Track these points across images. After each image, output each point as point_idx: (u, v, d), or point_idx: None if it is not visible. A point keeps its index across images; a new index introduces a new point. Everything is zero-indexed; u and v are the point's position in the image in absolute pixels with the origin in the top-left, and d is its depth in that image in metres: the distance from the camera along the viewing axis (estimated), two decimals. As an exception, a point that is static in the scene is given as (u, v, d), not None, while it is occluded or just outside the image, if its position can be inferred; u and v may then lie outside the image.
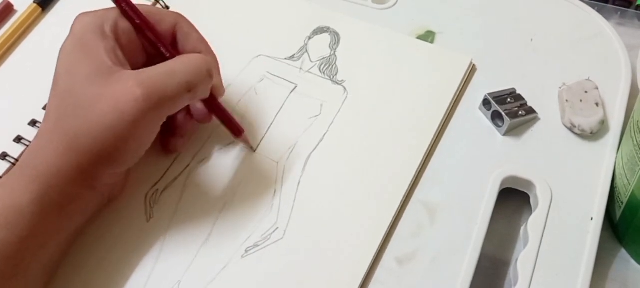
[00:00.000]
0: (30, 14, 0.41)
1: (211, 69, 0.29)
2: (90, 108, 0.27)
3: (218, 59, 0.32)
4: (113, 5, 0.30)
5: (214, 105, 0.32)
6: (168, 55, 0.30)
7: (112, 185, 0.31)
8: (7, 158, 0.34)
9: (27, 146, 0.35)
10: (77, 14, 0.29)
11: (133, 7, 0.30)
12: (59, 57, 0.29)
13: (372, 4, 0.41)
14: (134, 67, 0.29)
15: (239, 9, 0.41)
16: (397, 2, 0.41)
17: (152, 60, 0.30)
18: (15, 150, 0.35)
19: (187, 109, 0.33)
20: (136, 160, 0.29)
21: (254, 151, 0.34)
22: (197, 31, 0.32)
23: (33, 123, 0.36)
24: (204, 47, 0.31)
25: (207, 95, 0.30)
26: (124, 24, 0.30)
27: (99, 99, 0.27)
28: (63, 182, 0.27)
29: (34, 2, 0.41)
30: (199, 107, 0.32)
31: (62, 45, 0.29)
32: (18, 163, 0.28)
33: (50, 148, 0.27)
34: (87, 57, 0.28)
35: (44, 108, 0.36)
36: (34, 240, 0.27)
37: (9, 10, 0.41)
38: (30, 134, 0.35)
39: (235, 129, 0.33)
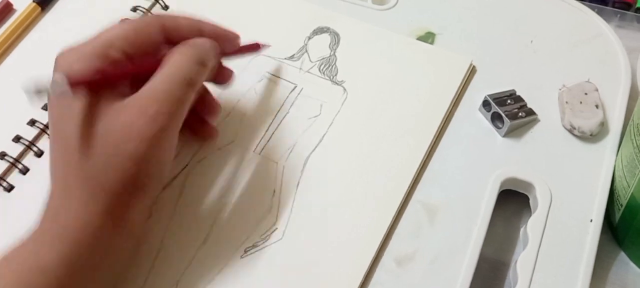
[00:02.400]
0: (30, 13, 0.40)
1: (199, 55, 0.28)
2: (105, 145, 0.25)
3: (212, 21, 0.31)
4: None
5: (224, 55, 0.32)
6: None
7: (138, 227, 0.28)
8: (5, 157, 0.34)
9: (27, 147, 0.35)
10: (58, 53, 0.27)
11: (118, 72, 0.28)
12: (50, 104, 0.27)
13: (372, 4, 0.41)
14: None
15: (239, 8, 0.41)
16: (397, 2, 0.41)
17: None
18: (14, 150, 0.34)
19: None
20: (160, 186, 0.28)
21: (270, 45, 0.35)
22: (183, 18, 0.30)
23: (32, 122, 0.36)
24: (192, 27, 0.30)
25: (207, 75, 0.29)
26: (112, 52, 0.27)
27: (110, 133, 0.25)
28: (92, 232, 0.25)
29: (34, 1, 0.41)
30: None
31: (50, 102, 0.27)
32: (40, 224, 0.26)
33: (73, 200, 0.25)
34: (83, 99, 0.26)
35: (44, 108, 0.36)
36: None
37: (8, 9, 0.41)
38: (29, 133, 0.35)
39: (252, 48, 0.33)
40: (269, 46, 0.35)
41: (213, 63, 0.30)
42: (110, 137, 0.25)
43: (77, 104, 0.26)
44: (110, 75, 0.27)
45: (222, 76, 0.33)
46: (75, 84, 0.25)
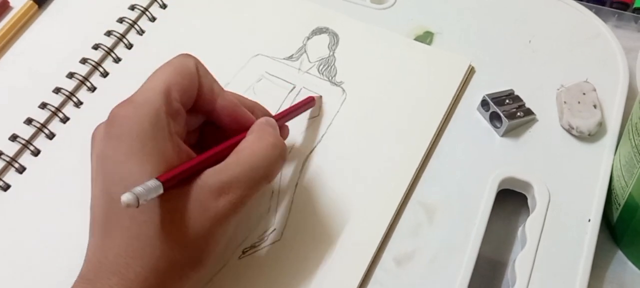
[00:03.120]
0: (27, 11, 0.40)
1: (284, 148, 0.27)
2: (175, 219, 0.24)
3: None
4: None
5: (285, 117, 0.31)
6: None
7: None
8: (2, 156, 0.34)
9: (23, 145, 0.34)
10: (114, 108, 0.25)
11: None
12: (98, 163, 0.25)
13: (370, 3, 0.41)
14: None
15: (238, 8, 0.41)
16: (395, 2, 0.41)
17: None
18: (10, 149, 0.34)
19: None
20: (222, 261, 0.28)
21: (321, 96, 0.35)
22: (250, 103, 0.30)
23: (28, 121, 0.35)
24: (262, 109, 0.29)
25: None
26: (174, 104, 0.26)
27: (183, 207, 0.24)
28: None
29: (30, -1, 0.41)
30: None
31: (98, 146, 0.25)
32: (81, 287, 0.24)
33: (131, 274, 0.23)
34: (147, 159, 0.24)
35: (40, 106, 0.36)
36: None
37: (5, 6, 0.41)
38: (25, 132, 0.35)
39: (308, 105, 0.33)
40: (319, 96, 0.35)
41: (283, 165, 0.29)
42: (185, 213, 0.24)
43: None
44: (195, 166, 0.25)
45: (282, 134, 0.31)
46: (166, 181, 0.23)
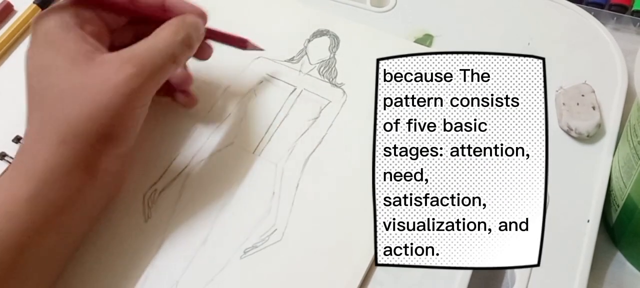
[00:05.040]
0: (30, 15, 0.41)
1: (188, 36, 0.30)
2: (80, 94, 0.27)
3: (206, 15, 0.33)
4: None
5: (211, 36, 0.33)
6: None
7: (111, 176, 0.30)
8: (5, 158, 0.34)
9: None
10: (34, 17, 0.30)
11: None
12: (27, 61, 0.29)
13: (370, 6, 0.41)
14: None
15: (239, 11, 0.41)
16: (395, 5, 0.41)
17: (116, 40, 0.32)
18: (14, 151, 0.34)
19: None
20: (133, 137, 0.30)
21: (263, 49, 0.36)
22: None
23: (32, 123, 0.36)
24: (186, 6, 0.32)
25: (189, 57, 0.32)
26: (86, 13, 0.30)
27: (87, 83, 0.27)
28: (60, 177, 0.27)
29: (34, 2, 0.41)
30: (178, 73, 0.34)
31: (28, 50, 0.29)
32: (11, 165, 0.28)
33: (43, 144, 0.27)
34: (59, 51, 0.28)
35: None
36: (34, 236, 0.26)
37: (8, 10, 0.41)
38: (29, 134, 0.35)
39: (239, 43, 0.34)
40: (261, 49, 0.36)
41: (198, 44, 0.32)
42: (87, 87, 0.27)
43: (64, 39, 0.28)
44: None
45: (202, 52, 0.34)
46: None
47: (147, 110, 0.30)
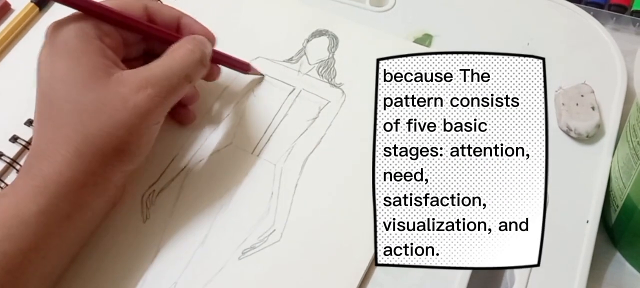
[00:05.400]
0: (28, 14, 0.40)
1: (203, 56, 0.31)
2: (99, 109, 0.27)
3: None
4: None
5: (216, 57, 0.33)
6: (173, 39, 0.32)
7: (118, 189, 0.30)
8: (2, 158, 0.34)
9: (24, 147, 0.35)
10: (52, 23, 0.30)
11: (128, 19, 0.31)
12: (40, 67, 0.29)
13: (369, 6, 0.41)
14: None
15: (238, 11, 0.41)
16: (394, 4, 0.41)
17: (131, 54, 0.32)
18: (11, 150, 0.34)
19: None
20: (147, 152, 0.30)
21: (263, 76, 0.37)
22: (166, 7, 0.34)
23: (29, 122, 0.36)
24: (173, 16, 0.33)
25: (202, 76, 0.32)
26: (105, 26, 0.30)
27: (107, 99, 0.28)
28: (74, 190, 0.27)
29: (31, 1, 0.41)
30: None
31: (42, 55, 0.29)
32: (21, 174, 0.28)
33: (58, 157, 0.27)
34: (78, 62, 0.28)
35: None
36: (38, 253, 0.26)
37: (5, 9, 0.41)
38: (26, 133, 0.35)
39: (242, 66, 0.36)
40: (261, 74, 0.37)
41: (207, 68, 0.32)
42: (107, 103, 0.28)
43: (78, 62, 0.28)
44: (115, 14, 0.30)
45: (210, 74, 0.34)
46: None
47: (160, 127, 0.31)
